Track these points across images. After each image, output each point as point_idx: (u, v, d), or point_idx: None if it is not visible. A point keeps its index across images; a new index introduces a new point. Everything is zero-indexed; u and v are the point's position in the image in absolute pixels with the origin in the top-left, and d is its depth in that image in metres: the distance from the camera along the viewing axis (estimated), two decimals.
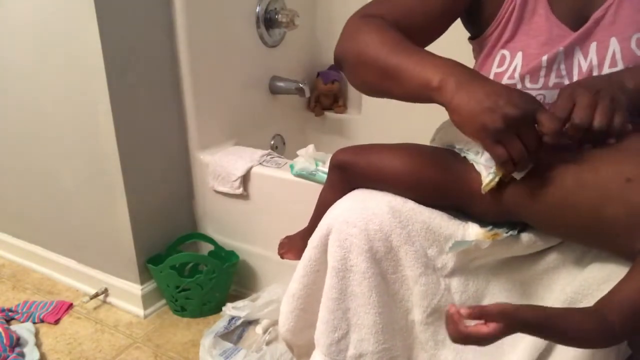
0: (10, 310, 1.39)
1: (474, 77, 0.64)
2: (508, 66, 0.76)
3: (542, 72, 0.74)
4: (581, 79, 0.71)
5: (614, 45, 0.71)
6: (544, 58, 0.73)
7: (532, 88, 0.74)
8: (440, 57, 0.68)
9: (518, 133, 0.61)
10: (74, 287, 1.51)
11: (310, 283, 0.77)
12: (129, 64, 1.20)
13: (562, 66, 0.73)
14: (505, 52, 0.77)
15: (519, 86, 0.75)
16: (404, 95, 0.72)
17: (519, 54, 0.75)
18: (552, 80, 0.73)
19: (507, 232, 0.70)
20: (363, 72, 0.76)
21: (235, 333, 1.25)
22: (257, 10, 1.50)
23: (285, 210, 1.27)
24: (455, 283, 0.74)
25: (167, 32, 1.28)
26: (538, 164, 0.65)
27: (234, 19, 1.43)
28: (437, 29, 0.81)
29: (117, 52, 1.17)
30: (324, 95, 1.82)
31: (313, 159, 1.20)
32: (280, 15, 1.53)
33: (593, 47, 0.72)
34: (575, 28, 0.73)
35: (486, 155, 0.71)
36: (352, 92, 1.83)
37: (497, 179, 0.68)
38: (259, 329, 1.24)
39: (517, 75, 0.75)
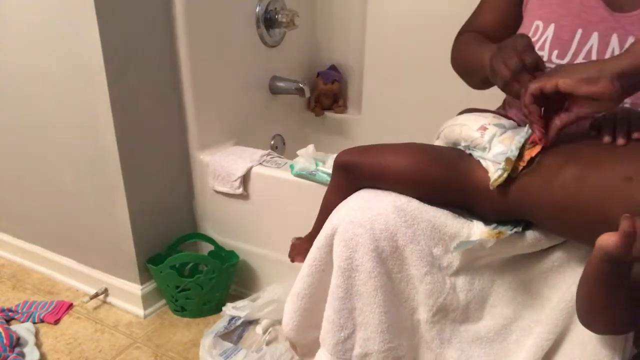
0: (10, 310, 1.39)
1: None
2: (540, 36, 0.79)
3: (571, 51, 0.75)
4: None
5: None
6: (577, 35, 0.75)
7: (557, 63, 0.77)
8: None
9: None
10: (74, 287, 1.51)
11: (315, 282, 0.78)
12: (129, 64, 1.20)
13: (594, 50, 0.75)
14: (539, 22, 0.79)
15: (546, 58, 0.78)
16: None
17: (552, 26, 0.78)
18: (579, 61, 0.76)
19: (511, 230, 0.70)
20: (464, 74, 0.93)
21: (235, 333, 1.25)
22: (257, 10, 1.50)
23: (285, 210, 1.27)
24: (461, 282, 0.74)
25: (167, 32, 1.27)
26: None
27: (234, 19, 1.43)
28: (515, 25, 0.88)
29: (117, 52, 1.16)
30: (324, 95, 1.82)
31: (313, 159, 1.20)
32: (280, 15, 1.53)
33: (630, 40, 0.73)
34: (612, 6, 0.74)
35: (494, 151, 0.72)
36: (352, 92, 1.84)
37: (505, 175, 0.68)
38: (259, 329, 1.24)
39: (547, 47, 0.77)
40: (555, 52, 0.77)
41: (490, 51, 0.75)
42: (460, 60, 0.92)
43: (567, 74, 0.63)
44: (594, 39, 0.75)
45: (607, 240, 0.52)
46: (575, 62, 0.76)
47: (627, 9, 0.74)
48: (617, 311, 0.59)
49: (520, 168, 0.69)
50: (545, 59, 0.77)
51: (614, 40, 0.74)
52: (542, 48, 0.78)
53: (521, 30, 0.84)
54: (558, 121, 0.67)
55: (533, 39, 0.80)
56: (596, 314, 0.61)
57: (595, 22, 0.75)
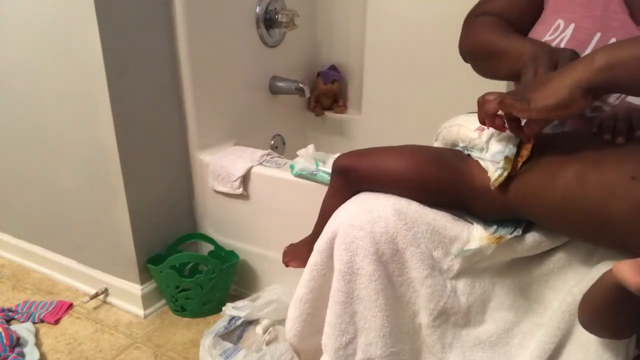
0: (10, 310, 1.39)
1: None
2: (557, 35, 0.78)
3: (585, 53, 0.74)
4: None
5: None
6: (595, 38, 0.74)
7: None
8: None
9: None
10: (74, 287, 1.51)
11: (317, 287, 0.77)
12: (129, 64, 1.20)
13: None
14: (561, 21, 0.79)
15: None
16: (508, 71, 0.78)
17: (571, 26, 0.77)
18: None
19: (511, 234, 0.70)
20: (480, 58, 0.88)
21: (235, 333, 1.25)
22: (257, 10, 1.50)
23: (285, 210, 1.27)
24: (462, 285, 0.74)
25: (167, 32, 1.27)
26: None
27: (234, 19, 1.43)
28: (534, 14, 0.86)
29: (117, 52, 1.16)
30: (324, 95, 1.82)
31: (313, 159, 1.20)
32: (280, 15, 1.53)
33: None
34: (632, 14, 0.73)
35: (491, 150, 0.71)
36: (352, 92, 1.84)
37: (505, 174, 0.68)
38: (259, 329, 1.24)
39: (562, 46, 0.76)
40: None
41: (530, 44, 0.74)
42: (482, 43, 0.85)
43: (538, 102, 0.62)
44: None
45: (629, 278, 0.50)
46: None
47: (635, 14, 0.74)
48: (623, 323, 0.59)
49: (520, 165, 0.69)
50: None
51: None
52: (557, 46, 0.78)
53: (542, 26, 0.82)
54: (529, 130, 0.67)
55: (551, 37, 0.79)
56: (601, 326, 0.61)
57: (616, 28, 0.74)
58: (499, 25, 0.84)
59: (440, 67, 1.51)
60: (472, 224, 0.74)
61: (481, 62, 0.87)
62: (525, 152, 0.69)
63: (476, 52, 0.87)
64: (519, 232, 0.71)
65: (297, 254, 0.94)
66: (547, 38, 0.79)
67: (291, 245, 0.98)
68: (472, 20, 0.91)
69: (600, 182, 0.61)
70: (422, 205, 0.74)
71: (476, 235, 0.72)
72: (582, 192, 0.62)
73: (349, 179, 0.79)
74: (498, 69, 0.82)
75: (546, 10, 0.83)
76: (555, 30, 0.79)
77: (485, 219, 0.74)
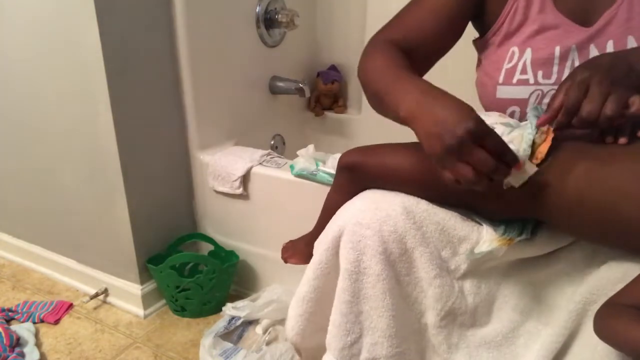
0: (10, 310, 1.39)
1: (429, 103, 0.65)
2: (517, 61, 0.77)
3: (555, 68, 0.74)
4: (586, 61, 0.69)
5: (631, 43, 0.72)
6: (556, 53, 0.74)
7: (545, 83, 0.75)
8: (412, 82, 0.71)
9: (462, 157, 0.59)
10: (74, 287, 1.51)
11: (320, 286, 0.76)
12: (129, 64, 1.20)
13: (577, 62, 0.74)
14: (515, 48, 0.78)
15: (532, 80, 0.76)
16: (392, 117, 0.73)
17: (529, 50, 0.76)
18: (565, 75, 0.72)
19: (519, 237, 0.69)
20: (366, 92, 0.81)
21: (235, 333, 1.25)
22: (257, 10, 1.50)
23: (285, 210, 1.28)
24: (468, 285, 0.73)
25: (167, 32, 1.27)
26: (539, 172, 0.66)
27: (234, 19, 1.43)
28: (450, 38, 0.84)
29: (117, 52, 1.16)
30: (324, 95, 1.82)
31: (313, 159, 1.20)
32: (280, 15, 1.53)
33: (610, 45, 0.73)
34: (582, 23, 0.74)
35: None
36: (352, 92, 1.84)
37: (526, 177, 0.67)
38: (259, 329, 1.24)
39: (529, 69, 0.76)
40: (540, 73, 0.76)
41: (410, 99, 0.67)
42: (372, 83, 0.78)
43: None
44: (574, 52, 0.74)
45: None
46: (562, 78, 0.71)
47: (593, 20, 0.74)
48: None
49: (536, 164, 0.68)
50: (532, 81, 0.76)
51: (594, 51, 0.73)
52: (524, 71, 0.76)
53: (496, 60, 0.80)
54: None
55: (510, 65, 0.77)
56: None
57: (569, 37, 0.74)
58: (395, 66, 0.76)
59: (440, 67, 1.51)
60: (481, 224, 0.73)
61: (369, 99, 0.81)
62: (540, 155, 0.67)
63: (365, 88, 0.81)
64: (527, 234, 0.70)
65: (297, 251, 0.93)
66: (507, 66, 0.78)
67: (291, 241, 0.97)
68: (374, 44, 0.83)
69: (611, 182, 0.60)
70: (430, 204, 0.73)
71: (486, 237, 0.71)
72: (592, 191, 0.61)
73: (356, 176, 0.78)
74: (384, 112, 0.76)
75: (494, 42, 0.81)
76: (512, 58, 0.78)
77: (493, 219, 0.73)
